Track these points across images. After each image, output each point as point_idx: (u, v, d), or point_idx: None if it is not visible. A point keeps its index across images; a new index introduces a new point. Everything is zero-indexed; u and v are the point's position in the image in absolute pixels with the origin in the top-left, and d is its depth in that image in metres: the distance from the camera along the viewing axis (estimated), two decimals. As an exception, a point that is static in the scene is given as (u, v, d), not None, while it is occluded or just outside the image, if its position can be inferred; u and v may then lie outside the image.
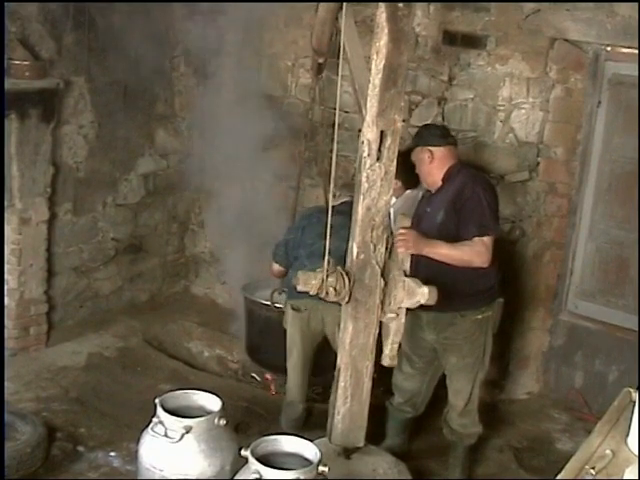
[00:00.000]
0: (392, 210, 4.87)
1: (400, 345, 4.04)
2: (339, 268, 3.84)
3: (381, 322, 3.99)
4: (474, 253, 4.18)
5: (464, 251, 4.20)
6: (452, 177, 4.38)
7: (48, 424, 4.66)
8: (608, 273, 5.41)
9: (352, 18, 4.30)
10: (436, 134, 4.52)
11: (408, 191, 5.04)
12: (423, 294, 3.88)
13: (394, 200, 4.95)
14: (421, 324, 4.47)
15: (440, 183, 4.42)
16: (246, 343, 5.94)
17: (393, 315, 3.91)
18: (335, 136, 3.96)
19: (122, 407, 5.07)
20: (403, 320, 3.94)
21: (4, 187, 5.29)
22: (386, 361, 3.99)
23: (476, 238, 4.19)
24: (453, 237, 4.25)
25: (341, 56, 4.04)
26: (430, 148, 4.41)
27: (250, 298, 5.76)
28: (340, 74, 3.92)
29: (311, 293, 3.87)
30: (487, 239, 4.20)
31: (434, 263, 4.20)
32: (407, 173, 4.58)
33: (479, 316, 4.43)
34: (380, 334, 4.03)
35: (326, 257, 3.85)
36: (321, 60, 5.00)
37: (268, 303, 5.40)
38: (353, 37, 4.24)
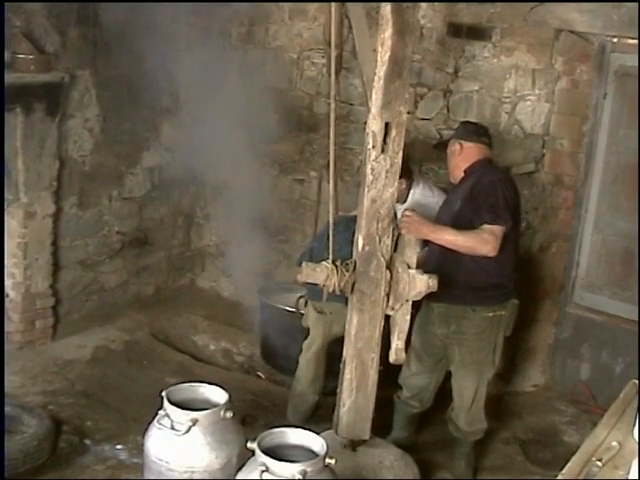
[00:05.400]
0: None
1: (408, 343, 4.02)
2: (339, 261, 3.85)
3: (388, 317, 3.98)
4: (479, 240, 4.14)
5: (469, 238, 4.17)
6: (475, 171, 4.41)
7: (54, 417, 4.67)
8: (614, 265, 5.40)
9: (362, 10, 4.29)
10: (470, 130, 4.59)
11: (416, 194, 5.05)
12: (423, 281, 3.84)
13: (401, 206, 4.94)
14: (432, 317, 4.46)
15: (462, 175, 4.46)
16: (262, 347, 5.89)
17: (397, 307, 3.91)
18: (332, 128, 3.89)
19: (128, 400, 5.09)
20: (408, 312, 3.94)
21: (4, 182, 5.28)
22: (392, 357, 3.96)
23: (485, 225, 4.16)
24: (468, 226, 4.23)
25: (332, 47, 4.05)
26: (460, 141, 4.48)
27: (272, 304, 5.67)
28: (333, 66, 3.92)
29: (321, 286, 3.87)
30: (496, 228, 4.15)
31: (446, 253, 4.20)
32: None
33: (490, 314, 4.40)
34: (388, 328, 4.02)
35: (330, 253, 3.85)
36: (335, 53, 4.97)
37: (293, 310, 5.31)
38: (362, 29, 4.22)
